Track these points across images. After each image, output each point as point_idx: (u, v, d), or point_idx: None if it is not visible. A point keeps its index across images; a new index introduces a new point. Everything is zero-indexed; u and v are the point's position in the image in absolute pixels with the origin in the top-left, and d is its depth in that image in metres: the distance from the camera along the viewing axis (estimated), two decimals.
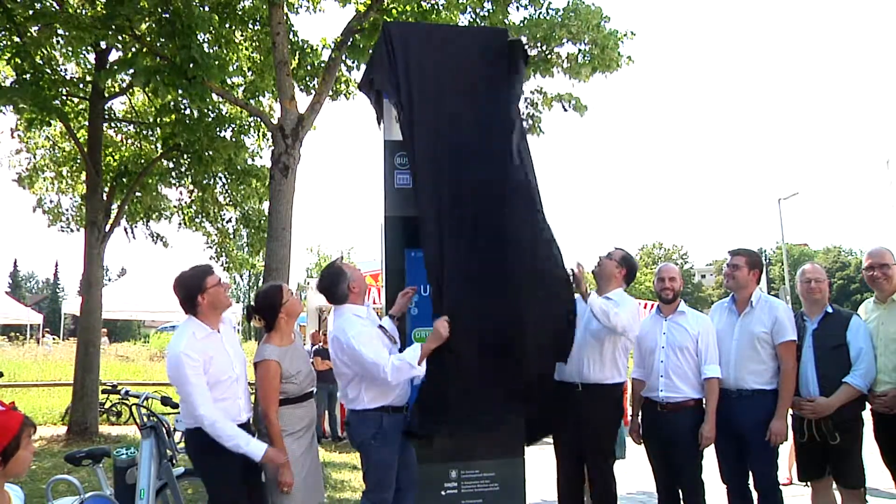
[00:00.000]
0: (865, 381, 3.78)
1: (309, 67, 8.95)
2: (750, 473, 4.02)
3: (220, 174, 10.82)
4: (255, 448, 3.32)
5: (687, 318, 4.16)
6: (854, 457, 3.85)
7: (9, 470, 1.98)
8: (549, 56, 8.16)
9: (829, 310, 3.99)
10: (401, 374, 3.51)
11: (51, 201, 11.48)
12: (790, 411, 3.99)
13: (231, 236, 11.64)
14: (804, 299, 4.10)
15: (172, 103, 9.45)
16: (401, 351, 3.74)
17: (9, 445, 1.95)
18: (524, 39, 8.03)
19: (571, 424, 4.21)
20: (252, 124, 10.29)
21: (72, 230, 11.58)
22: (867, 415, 3.91)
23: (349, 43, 8.08)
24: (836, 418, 3.80)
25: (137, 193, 10.48)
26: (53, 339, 25.72)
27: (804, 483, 4.50)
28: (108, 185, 10.21)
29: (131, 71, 7.74)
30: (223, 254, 11.61)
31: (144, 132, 10.76)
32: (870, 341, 3.85)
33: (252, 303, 3.77)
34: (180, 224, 11.51)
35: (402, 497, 3.72)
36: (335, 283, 3.69)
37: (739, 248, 4.25)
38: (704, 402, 4.06)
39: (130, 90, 10.24)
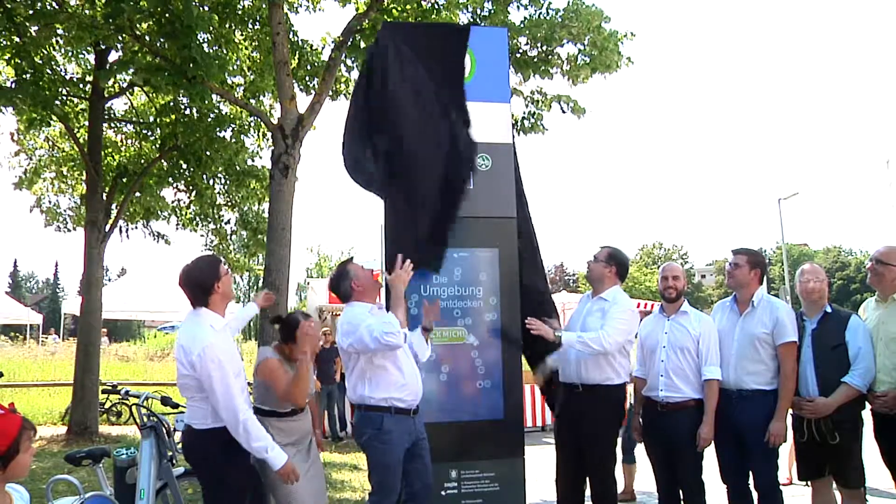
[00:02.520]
0: (864, 381, 3.78)
1: (309, 67, 8.94)
2: (750, 473, 4.02)
3: (219, 175, 10.81)
4: (277, 456, 3.17)
5: (689, 318, 4.16)
6: (854, 456, 3.84)
7: (9, 473, 1.98)
8: (549, 57, 8.16)
9: (829, 309, 3.98)
10: (387, 329, 3.47)
11: (49, 201, 11.50)
12: (790, 411, 3.99)
13: (228, 238, 11.62)
14: (803, 299, 4.10)
15: (172, 103, 9.47)
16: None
17: (8, 449, 1.95)
18: (524, 39, 8.04)
19: (572, 424, 4.22)
20: (252, 124, 10.29)
21: (69, 230, 11.59)
22: (868, 415, 3.91)
23: (349, 43, 8.08)
24: (836, 418, 3.79)
25: (137, 194, 10.48)
26: (55, 339, 25.67)
27: (804, 483, 4.50)
28: (108, 185, 10.21)
29: (131, 71, 7.74)
30: (220, 256, 11.58)
31: (144, 132, 10.76)
32: (869, 341, 3.84)
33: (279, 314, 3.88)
34: (177, 226, 11.49)
35: None
36: (339, 282, 3.87)
37: (741, 248, 4.25)
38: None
39: (130, 90, 10.25)
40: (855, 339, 3.83)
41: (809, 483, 4.18)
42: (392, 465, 3.59)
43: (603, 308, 4.24)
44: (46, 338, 25.41)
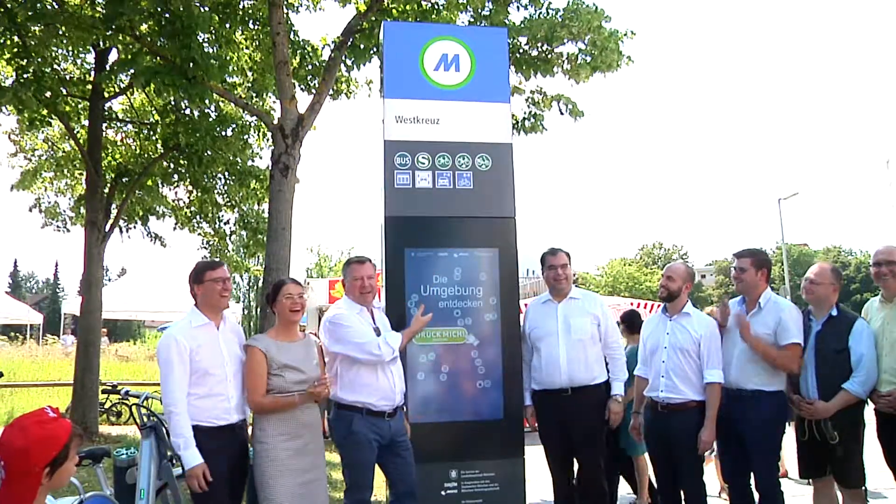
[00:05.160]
0: (864, 388, 3.76)
1: (309, 67, 8.94)
2: (751, 473, 4.01)
3: (219, 175, 10.80)
4: (189, 456, 3.27)
5: (692, 319, 4.13)
6: (854, 457, 3.83)
7: (54, 481, 1.89)
8: (549, 56, 8.15)
9: (835, 312, 3.94)
10: (386, 350, 3.68)
11: (49, 201, 11.49)
12: (793, 410, 3.98)
13: (227, 238, 11.60)
14: (809, 300, 4.09)
15: (173, 103, 9.46)
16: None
17: (58, 455, 1.87)
18: (524, 39, 8.03)
19: (559, 428, 4.26)
20: (252, 124, 10.28)
21: (68, 230, 11.60)
22: (871, 415, 3.89)
23: (349, 43, 8.07)
24: (835, 419, 3.78)
25: (138, 193, 10.47)
26: (72, 340, 25.35)
27: (806, 482, 4.49)
28: (108, 185, 10.21)
29: (131, 71, 7.73)
30: (217, 255, 11.56)
31: (144, 132, 10.75)
32: (872, 347, 3.79)
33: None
34: (175, 226, 11.48)
35: None
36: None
37: (743, 250, 4.19)
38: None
39: (130, 90, 10.24)
40: (858, 345, 3.80)
41: (811, 482, 4.17)
42: (363, 463, 3.65)
43: (582, 307, 4.39)
44: (57, 338, 25.21)
